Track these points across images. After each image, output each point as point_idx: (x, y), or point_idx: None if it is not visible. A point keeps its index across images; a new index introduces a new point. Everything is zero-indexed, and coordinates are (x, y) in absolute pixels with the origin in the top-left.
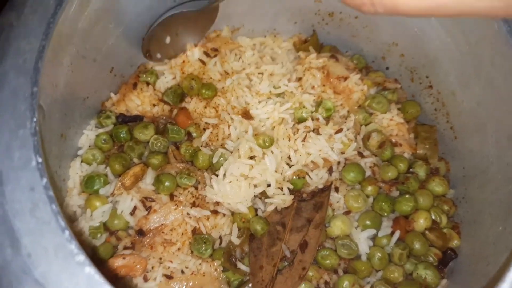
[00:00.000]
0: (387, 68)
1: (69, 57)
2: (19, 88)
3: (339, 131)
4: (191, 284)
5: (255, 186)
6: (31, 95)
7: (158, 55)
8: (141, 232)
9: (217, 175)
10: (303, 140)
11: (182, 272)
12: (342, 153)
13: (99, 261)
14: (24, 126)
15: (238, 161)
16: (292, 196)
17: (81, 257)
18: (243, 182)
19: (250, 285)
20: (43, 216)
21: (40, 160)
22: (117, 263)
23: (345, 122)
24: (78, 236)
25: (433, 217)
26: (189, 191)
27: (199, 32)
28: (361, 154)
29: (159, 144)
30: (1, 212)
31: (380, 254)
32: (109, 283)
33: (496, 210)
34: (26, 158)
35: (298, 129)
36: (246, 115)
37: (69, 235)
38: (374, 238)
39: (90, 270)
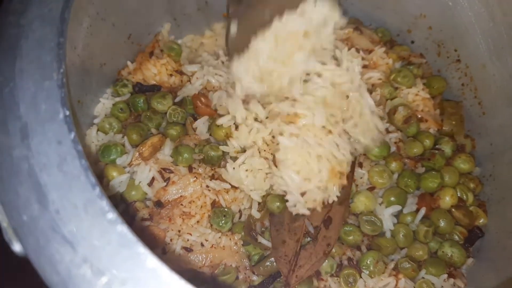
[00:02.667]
0: (412, 42)
1: (88, 19)
2: (44, 38)
3: None
4: (211, 257)
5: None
6: (58, 45)
7: None
8: (159, 204)
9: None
10: None
11: (202, 245)
12: None
13: None
14: (51, 78)
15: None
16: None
17: (113, 215)
18: (259, 174)
19: (271, 259)
20: (72, 171)
21: (67, 113)
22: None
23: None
24: None
25: (459, 195)
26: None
27: None
28: (385, 129)
29: (177, 115)
30: (27, 166)
31: (404, 231)
32: (142, 242)
33: None
34: (53, 111)
35: None
36: None
37: (100, 191)
38: (398, 215)
39: (123, 228)
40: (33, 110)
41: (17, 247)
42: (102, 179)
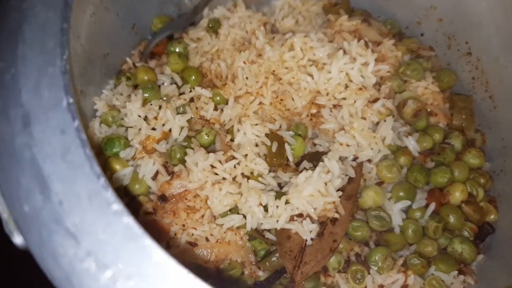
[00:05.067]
0: (421, 35)
1: (92, 7)
2: (47, 22)
3: (376, 100)
4: (216, 252)
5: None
6: (61, 31)
7: None
8: (163, 198)
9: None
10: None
11: (207, 239)
12: (377, 123)
13: None
14: (54, 64)
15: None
16: None
17: (118, 206)
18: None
19: (277, 255)
20: (76, 161)
21: (71, 100)
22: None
23: (379, 90)
24: None
25: (469, 190)
26: None
27: None
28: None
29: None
30: (29, 155)
31: (414, 227)
32: (149, 235)
33: None
34: (56, 98)
35: None
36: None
37: (105, 181)
38: (407, 210)
39: (129, 221)
40: (36, 97)
41: (18, 240)
42: (105, 172)
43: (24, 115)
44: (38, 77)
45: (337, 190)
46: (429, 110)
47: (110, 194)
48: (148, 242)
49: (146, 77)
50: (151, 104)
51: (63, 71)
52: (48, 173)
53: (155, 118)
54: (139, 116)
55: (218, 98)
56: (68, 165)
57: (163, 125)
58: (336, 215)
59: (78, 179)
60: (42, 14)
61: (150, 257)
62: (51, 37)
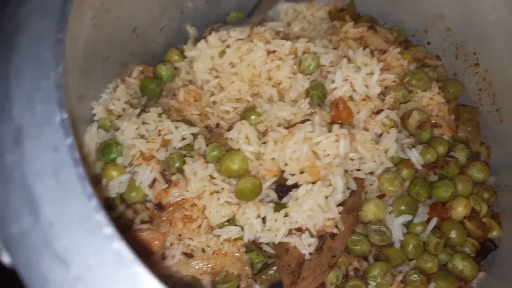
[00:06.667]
0: (428, 43)
1: (92, 10)
2: (43, 33)
3: (379, 111)
4: (212, 264)
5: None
6: (57, 42)
7: None
8: (160, 206)
9: None
10: None
11: (203, 251)
12: (380, 135)
13: None
14: (48, 77)
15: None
16: None
17: (110, 230)
18: None
19: (275, 267)
20: (68, 181)
21: (65, 116)
22: (134, 238)
23: (383, 100)
24: None
25: (472, 205)
26: None
27: None
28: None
29: None
30: (20, 174)
31: (415, 242)
32: (141, 261)
33: None
34: (50, 113)
35: None
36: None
37: (97, 204)
38: (408, 224)
39: (120, 246)
40: (29, 111)
41: (6, 258)
42: (101, 179)
43: (16, 131)
44: (32, 90)
45: (338, 205)
46: (433, 121)
47: (101, 217)
48: (140, 269)
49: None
50: (148, 112)
51: (58, 85)
52: (38, 193)
53: (158, 133)
54: (134, 137)
55: None
56: (59, 185)
57: (165, 134)
58: (336, 231)
59: (69, 200)
60: (38, 23)
61: (142, 285)
62: (47, 48)
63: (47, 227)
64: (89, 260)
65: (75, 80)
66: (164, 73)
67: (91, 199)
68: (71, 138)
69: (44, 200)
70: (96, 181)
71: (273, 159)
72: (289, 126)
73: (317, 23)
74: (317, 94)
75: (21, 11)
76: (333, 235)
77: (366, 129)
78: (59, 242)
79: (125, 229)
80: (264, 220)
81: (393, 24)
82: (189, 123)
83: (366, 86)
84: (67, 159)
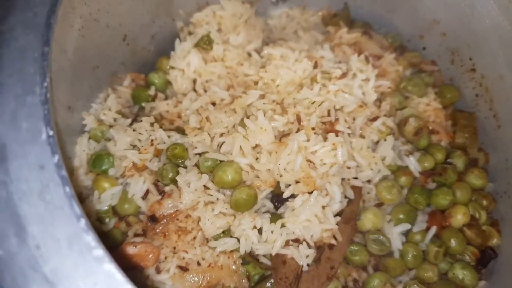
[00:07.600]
0: (424, 49)
1: (80, 20)
2: (27, 47)
3: (375, 119)
4: (207, 277)
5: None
6: (41, 56)
7: None
8: (153, 218)
9: None
10: None
11: (198, 263)
12: (377, 142)
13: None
14: (33, 93)
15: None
16: None
17: (100, 251)
18: None
19: (271, 280)
20: (55, 200)
21: (51, 133)
22: (128, 251)
23: (379, 107)
24: None
25: (471, 213)
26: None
27: None
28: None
29: None
30: (5, 194)
31: (414, 252)
32: (132, 283)
33: None
34: (35, 130)
35: None
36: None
37: (86, 224)
38: (407, 233)
39: (110, 268)
40: (13, 129)
41: None
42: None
43: (0, 149)
44: (16, 107)
45: (335, 216)
46: (430, 128)
47: (91, 238)
48: None
49: None
50: (141, 121)
51: (43, 101)
52: (24, 214)
53: (151, 143)
54: (126, 148)
55: None
56: (46, 205)
57: (158, 144)
58: (333, 241)
59: (57, 221)
60: (22, 37)
61: None
62: (31, 62)
63: (34, 249)
64: (79, 283)
65: (64, 90)
66: (156, 81)
67: (79, 219)
68: (58, 156)
69: (30, 221)
70: (87, 194)
71: (269, 169)
72: (283, 135)
73: (311, 29)
74: None
75: (4, 25)
76: (331, 246)
77: (362, 136)
78: (47, 265)
79: (118, 243)
80: (260, 231)
81: (388, 29)
82: (182, 132)
83: (362, 93)
84: (54, 178)
